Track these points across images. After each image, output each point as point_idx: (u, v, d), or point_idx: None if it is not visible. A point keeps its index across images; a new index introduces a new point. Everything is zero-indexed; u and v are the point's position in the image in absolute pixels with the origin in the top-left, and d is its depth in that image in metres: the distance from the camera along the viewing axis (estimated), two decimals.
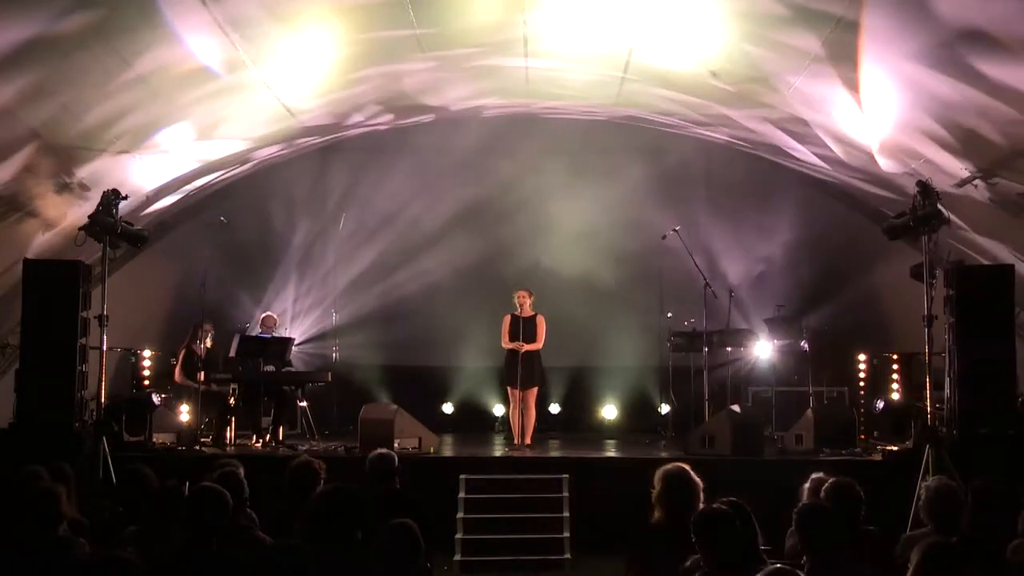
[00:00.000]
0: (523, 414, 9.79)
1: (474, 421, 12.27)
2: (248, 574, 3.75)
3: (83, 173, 8.16)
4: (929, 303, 7.44)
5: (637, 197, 11.96)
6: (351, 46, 7.87)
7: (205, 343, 10.50)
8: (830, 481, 4.75)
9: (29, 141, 7.26)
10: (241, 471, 5.12)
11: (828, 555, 3.97)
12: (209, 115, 8.39)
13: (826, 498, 4.63)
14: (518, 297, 9.91)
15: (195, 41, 6.89)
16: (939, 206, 7.26)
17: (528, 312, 9.91)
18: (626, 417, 12.28)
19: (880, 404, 10.00)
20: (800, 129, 9.14)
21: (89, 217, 7.74)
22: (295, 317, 12.31)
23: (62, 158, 7.82)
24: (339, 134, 11.19)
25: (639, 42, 7.95)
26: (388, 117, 10.75)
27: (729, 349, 10.97)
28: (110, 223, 7.80)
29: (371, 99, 9.71)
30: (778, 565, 3.37)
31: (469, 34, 8.04)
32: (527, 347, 9.80)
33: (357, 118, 10.43)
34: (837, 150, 9.10)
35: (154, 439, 9.12)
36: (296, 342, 11.31)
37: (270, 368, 10.30)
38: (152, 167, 8.88)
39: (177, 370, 10.31)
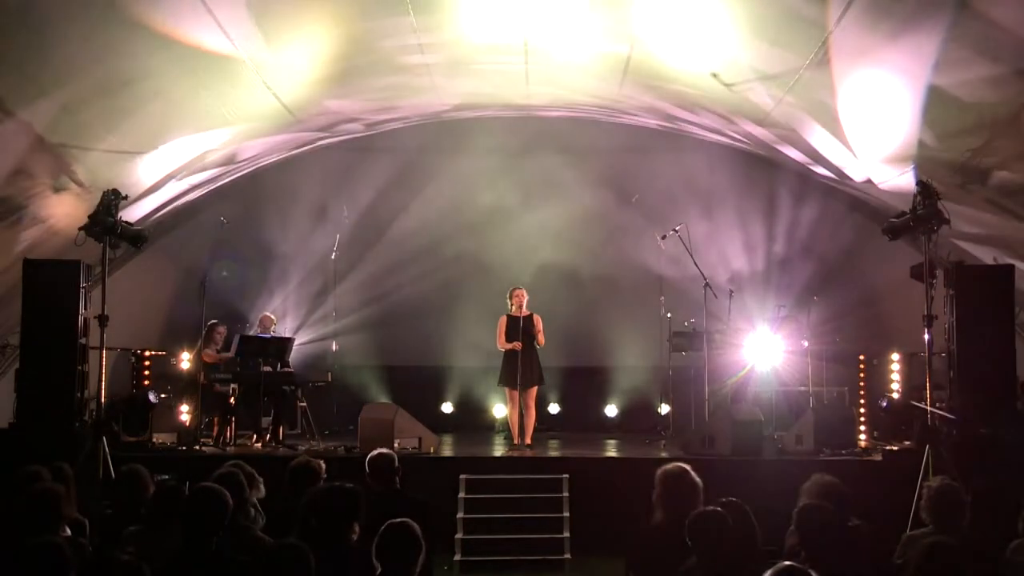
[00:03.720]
0: (523, 414, 9.77)
1: (474, 421, 12.27)
2: (248, 574, 3.75)
3: (81, 172, 8.16)
4: (929, 303, 7.43)
5: (637, 197, 11.96)
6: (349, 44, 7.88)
7: (217, 344, 10.52)
8: (821, 482, 4.75)
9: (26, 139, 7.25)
10: (243, 473, 5.11)
11: (827, 555, 3.97)
12: (206, 113, 8.39)
13: (818, 499, 4.62)
14: (516, 296, 9.84)
15: (194, 39, 6.90)
16: (939, 206, 7.25)
17: (525, 311, 9.88)
18: (626, 417, 12.28)
19: (885, 402, 10.00)
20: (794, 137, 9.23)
21: (89, 217, 7.74)
22: (294, 317, 12.30)
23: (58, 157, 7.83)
24: (338, 136, 11.20)
25: (639, 42, 7.97)
26: (386, 117, 10.78)
27: (729, 349, 10.95)
28: (110, 223, 7.79)
29: (371, 99, 9.74)
30: (788, 563, 3.36)
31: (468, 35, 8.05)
32: (541, 338, 9.77)
33: (355, 118, 10.46)
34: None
35: (154, 439, 9.13)
36: (296, 342, 11.30)
37: (270, 368, 10.31)
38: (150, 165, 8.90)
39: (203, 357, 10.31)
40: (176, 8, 6.43)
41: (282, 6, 6.97)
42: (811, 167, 10.47)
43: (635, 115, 10.86)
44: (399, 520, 3.86)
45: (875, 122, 7.81)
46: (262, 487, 5.20)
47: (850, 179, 9.85)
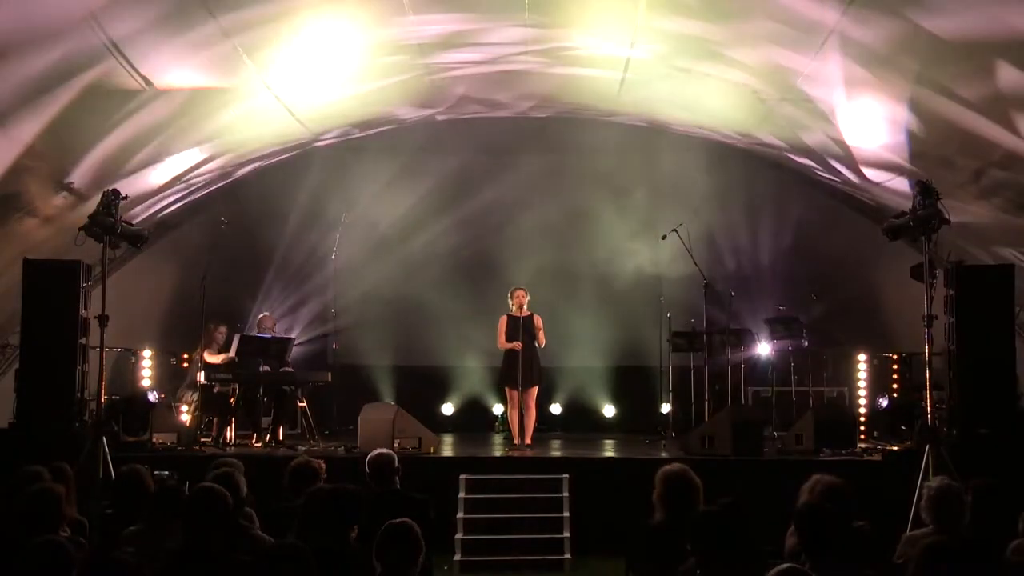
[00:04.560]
0: (523, 414, 9.77)
1: (474, 421, 12.26)
2: (248, 574, 3.75)
3: (82, 173, 8.17)
4: (929, 303, 7.44)
5: (637, 196, 11.97)
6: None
7: (219, 344, 10.52)
8: (822, 482, 4.75)
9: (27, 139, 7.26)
10: (239, 471, 5.10)
11: (827, 555, 3.97)
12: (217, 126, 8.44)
13: (819, 499, 4.62)
14: (517, 296, 9.84)
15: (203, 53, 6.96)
16: (939, 206, 7.26)
17: (526, 311, 9.88)
18: (626, 417, 12.27)
19: (884, 402, 10.00)
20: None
21: (89, 217, 7.73)
22: (294, 317, 12.29)
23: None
24: (336, 138, 11.22)
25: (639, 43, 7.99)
26: (385, 117, 10.80)
27: (729, 349, 10.96)
28: (110, 223, 7.79)
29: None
30: (788, 565, 3.35)
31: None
32: (542, 337, 9.79)
33: (356, 121, 10.49)
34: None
35: (154, 439, 9.13)
36: (295, 342, 11.31)
37: (269, 368, 10.30)
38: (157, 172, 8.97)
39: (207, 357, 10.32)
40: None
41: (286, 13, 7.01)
42: (810, 166, 10.49)
43: (635, 114, 10.87)
44: (399, 520, 3.86)
45: (870, 120, 7.82)
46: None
47: (849, 179, 9.87)
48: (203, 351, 10.33)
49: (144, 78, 7.00)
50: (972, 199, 8.12)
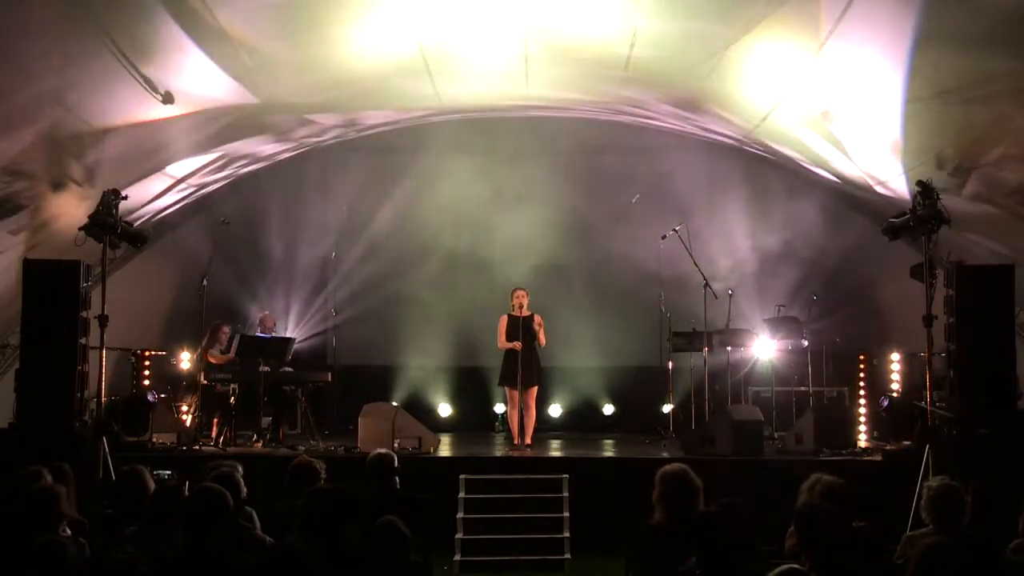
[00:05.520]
0: (523, 414, 9.77)
1: (474, 421, 12.26)
2: (248, 574, 3.75)
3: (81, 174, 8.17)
4: (929, 303, 7.43)
5: (637, 196, 11.97)
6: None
7: (222, 344, 10.52)
8: (822, 482, 4.75)
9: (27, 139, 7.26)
10: (239, 472, 5.11)
11: (828, 555, 3.97)
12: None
13: (819, 499, 4.63)
14: (517, 296, 9.87)
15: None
16: (939, 206, 7.25)
17: (526, 312, 9.89)
18: (626, 417, 12.27)
19: (885, 402, 10.00)
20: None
21: (89, 217, 7.74)
22: (294, 317, 12.30)
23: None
24: (338, 138, 11.22)
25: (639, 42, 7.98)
26: (383, 119, 10.81)
27: (729, 349, 10.96)
28: (110, 223, 7.79)
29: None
30: (788, 566, 3.36)
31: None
32: (543, 338, 9.80)
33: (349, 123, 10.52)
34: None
35: (154, 439, 9.13)
36: (296, 342, 11.31)
37: (269, 368, 10.31)
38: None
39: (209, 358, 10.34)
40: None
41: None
42: (810, 167, 10.48)
43: (634, 114, 10.86)
44: (384, 519, 3.89)
45: (867, 120, 7.82)
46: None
47: (849, 179, 9.86)
48: (207, 352, 10.33)
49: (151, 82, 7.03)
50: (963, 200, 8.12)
